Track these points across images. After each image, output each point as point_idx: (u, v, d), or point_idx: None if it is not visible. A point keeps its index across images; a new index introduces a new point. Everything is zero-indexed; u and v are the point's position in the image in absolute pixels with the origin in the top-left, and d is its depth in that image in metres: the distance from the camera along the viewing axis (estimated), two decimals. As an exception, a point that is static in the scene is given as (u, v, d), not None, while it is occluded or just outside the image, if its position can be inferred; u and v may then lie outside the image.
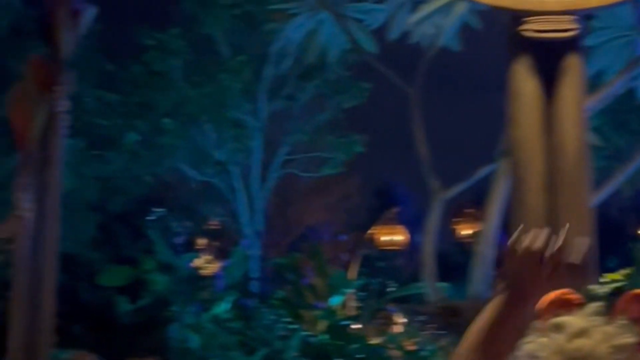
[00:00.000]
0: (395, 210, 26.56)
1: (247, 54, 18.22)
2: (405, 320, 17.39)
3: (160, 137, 17.39)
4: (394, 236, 26.60)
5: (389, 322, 18.17)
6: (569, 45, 6.31)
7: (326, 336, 15.47)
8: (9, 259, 18.16)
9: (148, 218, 18.89)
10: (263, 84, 18.91)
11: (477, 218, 20.59)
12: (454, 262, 23.07)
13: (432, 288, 13.68)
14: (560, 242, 2.05)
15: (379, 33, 12.98)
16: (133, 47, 17.42)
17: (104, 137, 16.24)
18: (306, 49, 13.29)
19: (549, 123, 6.24)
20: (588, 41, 9.32)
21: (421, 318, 15.40)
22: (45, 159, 7.10)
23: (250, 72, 18.20)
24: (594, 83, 11.77)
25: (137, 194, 18.23)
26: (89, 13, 7.12)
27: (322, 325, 16.05)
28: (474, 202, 22.99)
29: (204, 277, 18.99)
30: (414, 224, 27.41)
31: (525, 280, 2.03)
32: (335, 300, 16.70)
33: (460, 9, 11.67)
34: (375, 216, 25.84)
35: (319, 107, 19.76)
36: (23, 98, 7.12)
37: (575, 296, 2.43)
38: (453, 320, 11.39)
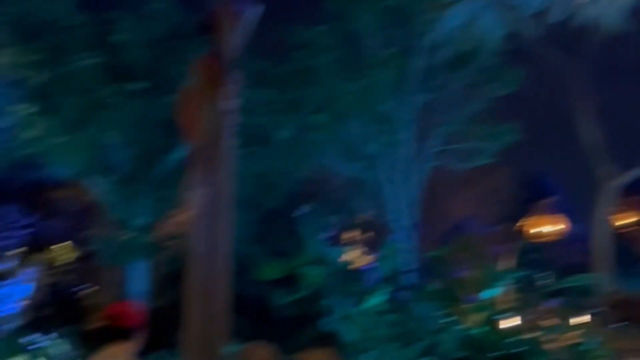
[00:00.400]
0: (549, 200, 25.79)
1: (396, 47, 18.18)
2: (565, 313, 16.84)
3: (311, 133, 17.64)
4: (548, 227, 25.84)
5: (547, 315, 17.64)
6: None
7: (482, 329, 15.22)
8: (176, 254, 18.94)
9: (300, 213, 19.21)
10: (412, 76, 18.82)
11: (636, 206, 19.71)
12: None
13: (602, 279, 13.20)
14: None
15: (538, 17, 12.63)
16: (283, 45, 17.74)
17: (257, 135, 16.61)
18: (464, 37, 13.08)
19: None
20: None
21: (585, 311, 14.88)
22: (215, 156, 7.32)
23: (399, 65, 18.16)
24: None
25: (289, 190, 18.59)
26: (254, 12, 7.27)
27: (477, 318, 15.83)
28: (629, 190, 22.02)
29: (356, 270, 19.12)
30: (568, 214, 26.53)
31: None
32: (489, 293, 16.41)
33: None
34: (528, 207, 25.20)
35: (470, 96, 19.42)
36: (191, 98, 7.36)
37: None
38: (629, 313, 10.92)
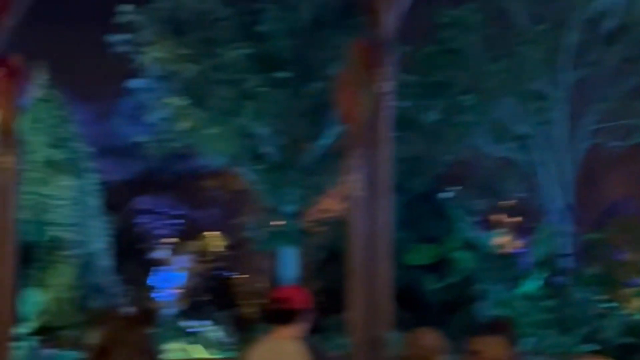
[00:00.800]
0: None
1: (546, 23, 17.53)
2: None
3: (459, 115, 17.28)
4: None
5: None
6: None
7: (647, 315, 14.51)
8: (325, 240, 18.95)
9: (448, 196, 18.93)
10: (565, 52, 18.09)
11: None
12: None
13: None
14: None
15: None
16: (428, 25, 17.42)
17: (403, 119, 16.40)
18: (625, 8, 12.38)
19: None
20: None
21: None
22: (372, 139, 7.22)
23: (550, 41, 17.50)
24: None
25: (437, 173, 18.32)
26: (409, -9, 7.13)
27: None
28: None
29: (508, 255, 18.67)
30: None
31: None
32: (653, 277, 15.62)
33: None
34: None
35: (629, 71, 18.45)
36: (349, 81, 7.28)
37: None
38: None
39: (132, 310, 4.86)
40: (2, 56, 7.21)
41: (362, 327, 7.03)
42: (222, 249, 25.79)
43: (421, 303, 17.45)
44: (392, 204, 7.33)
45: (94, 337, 4.84)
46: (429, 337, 5.56)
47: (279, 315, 5.02)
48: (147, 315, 4.92)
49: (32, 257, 15.27)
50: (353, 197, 7.27)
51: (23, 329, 14.08)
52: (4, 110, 7.16)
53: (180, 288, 23.79)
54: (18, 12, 7.56)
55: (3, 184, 7.23)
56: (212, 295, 23.02)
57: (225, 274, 24.80)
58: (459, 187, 19.23)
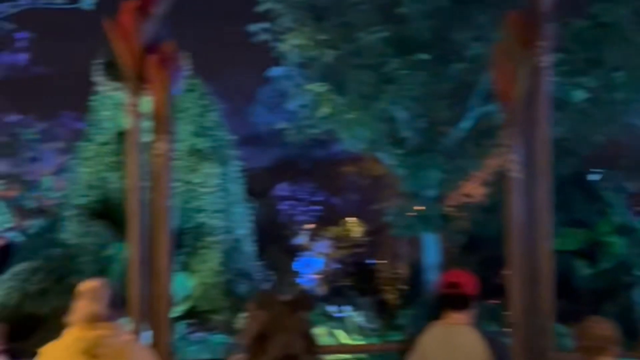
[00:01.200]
0: None
1: None
2: None
3: (611, 92, 16.42)
4: None
5: None
6: None
7: None
8: (465, 225, 18.52)
9: (599, 178, 18.13)
10: None
11: None
12: None
13: None
14: None
15: None
16: (578, 1, 16.64)
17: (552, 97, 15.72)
18: None
19: None
20: None
21: None
22: (531, 118, 6.88)
23: None
24: None
25: (588, 154, 17.54)
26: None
27: None
28: None
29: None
30: None
31: None
32: None
33: None
34: None
35: None
36: (505, 56, 6.96)
37: None
38: None
39: (288, 295, 4.78)
40: (155, 44, 7.28)
41: (523, 315, 6.71)
42: (361, 235, 25.78)
43: (572, 290, 16.80)
44: (551, 186, 6.96)
45: (248, 322, 4.78)
46: (602, 327, 5.22)
47: (453, 300, 4.90)
48: (305, 300, 4.85)
49: (180, 243, 15.65)
50: (510, 178, 6.96)
51: (173, 312, 14.46)
52: (157, 97, 7.24)
53: (320, 273, 23.96)
54: (166, 1, 7.63)
55: (157, 170, 7.32)
56: (352, 281, 23.04)
57: (364, 259, 24.78)
58: (611, 169, 18.37)
